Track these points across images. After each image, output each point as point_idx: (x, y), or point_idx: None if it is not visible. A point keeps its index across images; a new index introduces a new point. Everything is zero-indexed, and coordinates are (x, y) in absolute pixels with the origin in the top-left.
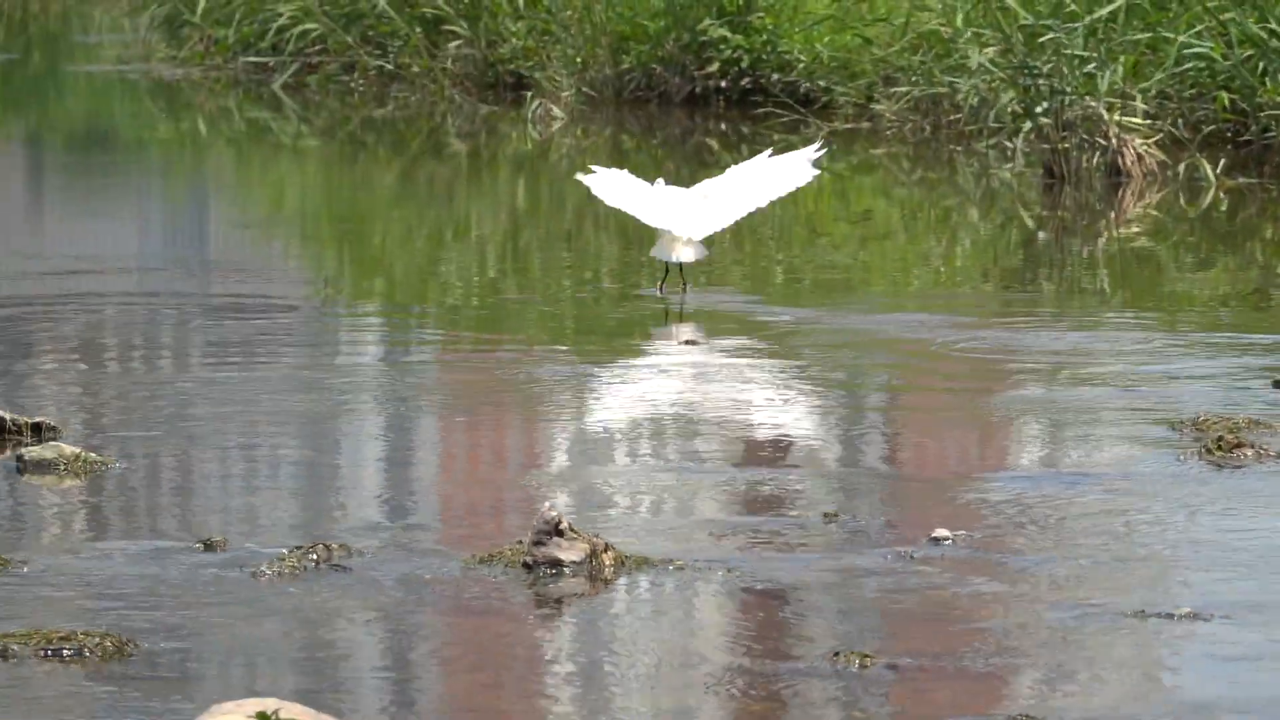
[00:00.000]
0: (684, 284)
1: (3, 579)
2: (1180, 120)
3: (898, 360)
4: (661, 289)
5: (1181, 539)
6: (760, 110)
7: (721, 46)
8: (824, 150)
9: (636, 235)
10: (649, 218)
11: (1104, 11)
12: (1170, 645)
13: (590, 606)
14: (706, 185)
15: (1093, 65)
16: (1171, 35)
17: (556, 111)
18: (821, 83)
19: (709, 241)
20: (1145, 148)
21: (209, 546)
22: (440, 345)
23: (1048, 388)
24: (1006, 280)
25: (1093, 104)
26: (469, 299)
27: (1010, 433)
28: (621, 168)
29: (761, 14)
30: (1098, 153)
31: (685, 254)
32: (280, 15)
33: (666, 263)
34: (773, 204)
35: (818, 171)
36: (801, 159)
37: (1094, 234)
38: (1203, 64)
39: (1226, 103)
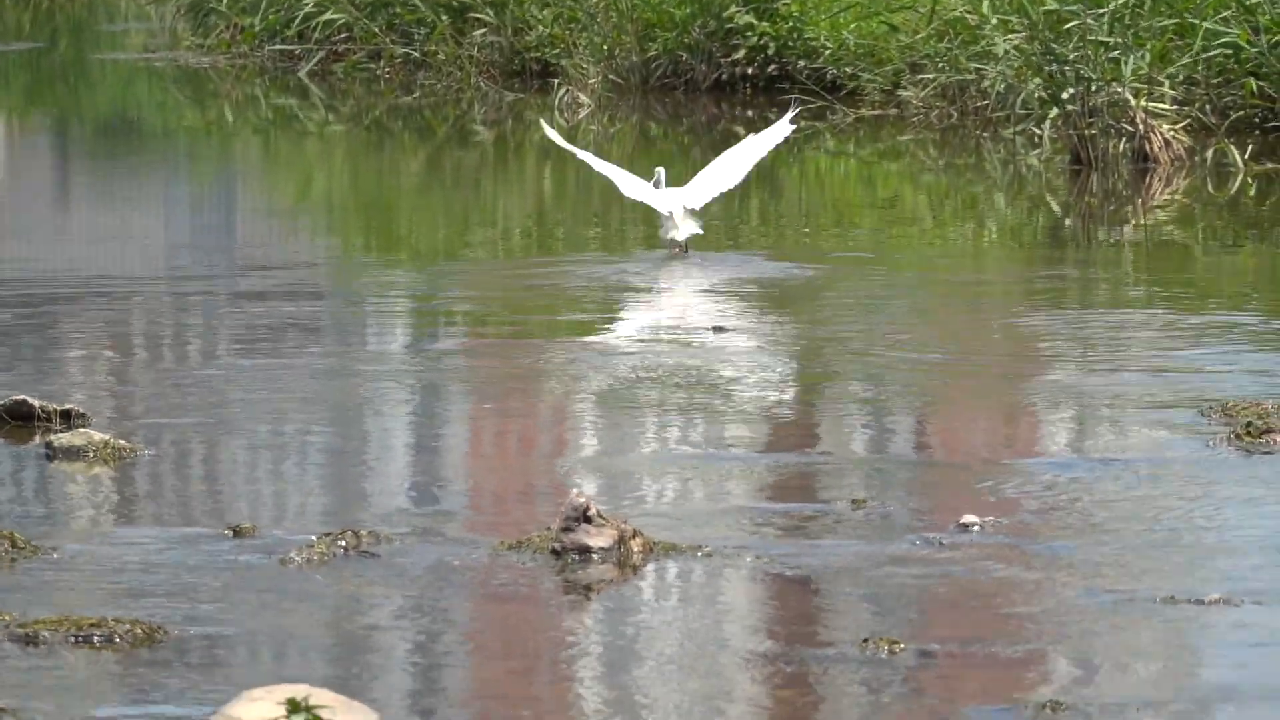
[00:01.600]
0: (685, 252)
1: (33, 565)
2: (1208, 106)
3: (925, 347)
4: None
5: (1210, 524)
6: (786, 97)
7: (748, 33)
8: (798, 111)
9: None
10: (628, 190)
11: None
12: (1200, 630)
13: (619, 593)
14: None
15: (1118, 51)
16: (1198, 21)
17: (583, 98)
18: (848, 69)
19: (696, 216)
20: (1172, 133)
21: (238, 533)
22: (468, 332)
23: (1076, 373)
24: (1033, 265)
25: (1119, 90)
26: (496, 285)
27: (1038, 418)
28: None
29: (788, 1)
30: (1124, 138)
31: (682, 230)
32: (306, 3)
33: (674, 242)
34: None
35: (794, 127)
36: (780, 126)
37: (1121, 219)
38: (1230, 50)
39: (1254, 88)
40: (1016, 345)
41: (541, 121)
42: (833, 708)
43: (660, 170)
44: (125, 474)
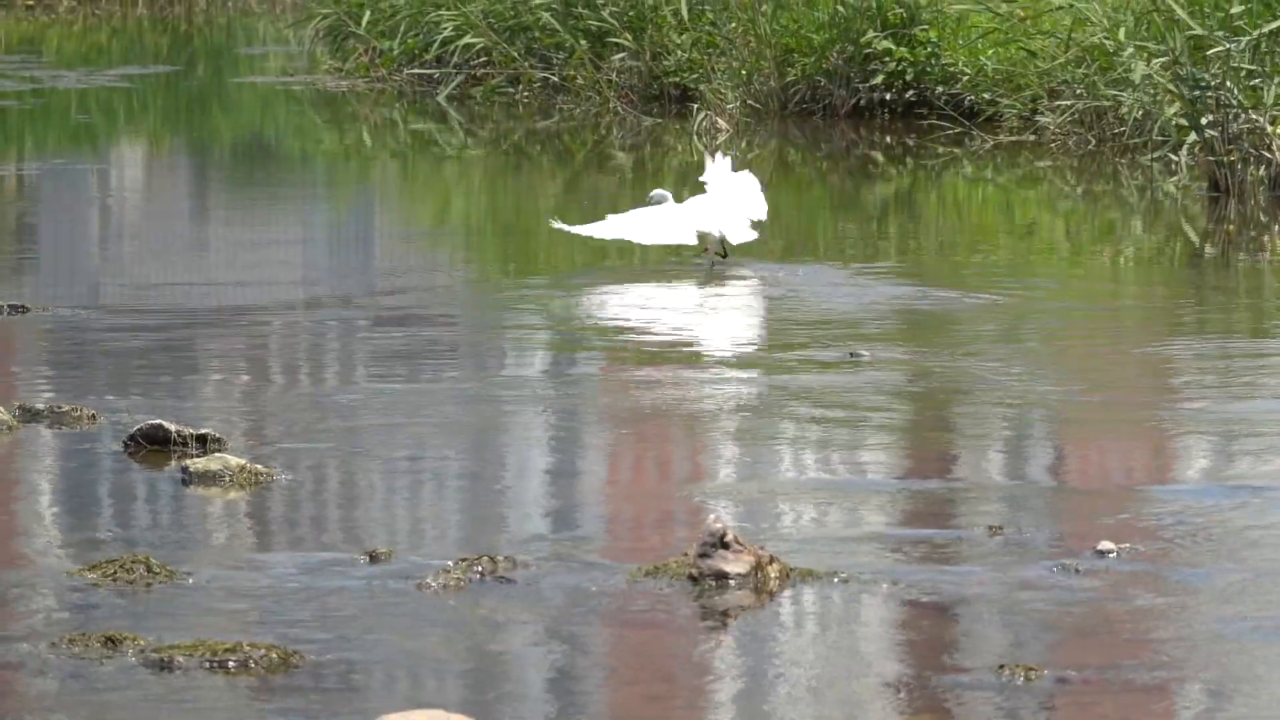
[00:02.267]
0: (721, 256)
1: (169, 590)
2: None
3: (1062, 374)
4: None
5: None
6: (924, 122)
7: (886, 59)
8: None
9: (803, 245)
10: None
11: (1271, 26)
12: None
13: (756, 619)
14: (703, 200)
15: (1259, 79)
16: None
17: (722, 124)
18: (986, 95)
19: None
20: None
21: (374, 558)
22: (604, 357)
23: (1213, 399)
24: (1170, 292)
25: (1257, 118)
26: (633, 311)
27: (1175, 444)
28: (721, 191)
29: (925, 26)
30: (1262, 166)
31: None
32: (445, 27)
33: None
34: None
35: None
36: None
37: (1258, 246)
38: None
39: None
40: (1154, 372)
41: (550, 220)
42: None
43: (660, 192)
44: (261, 499)
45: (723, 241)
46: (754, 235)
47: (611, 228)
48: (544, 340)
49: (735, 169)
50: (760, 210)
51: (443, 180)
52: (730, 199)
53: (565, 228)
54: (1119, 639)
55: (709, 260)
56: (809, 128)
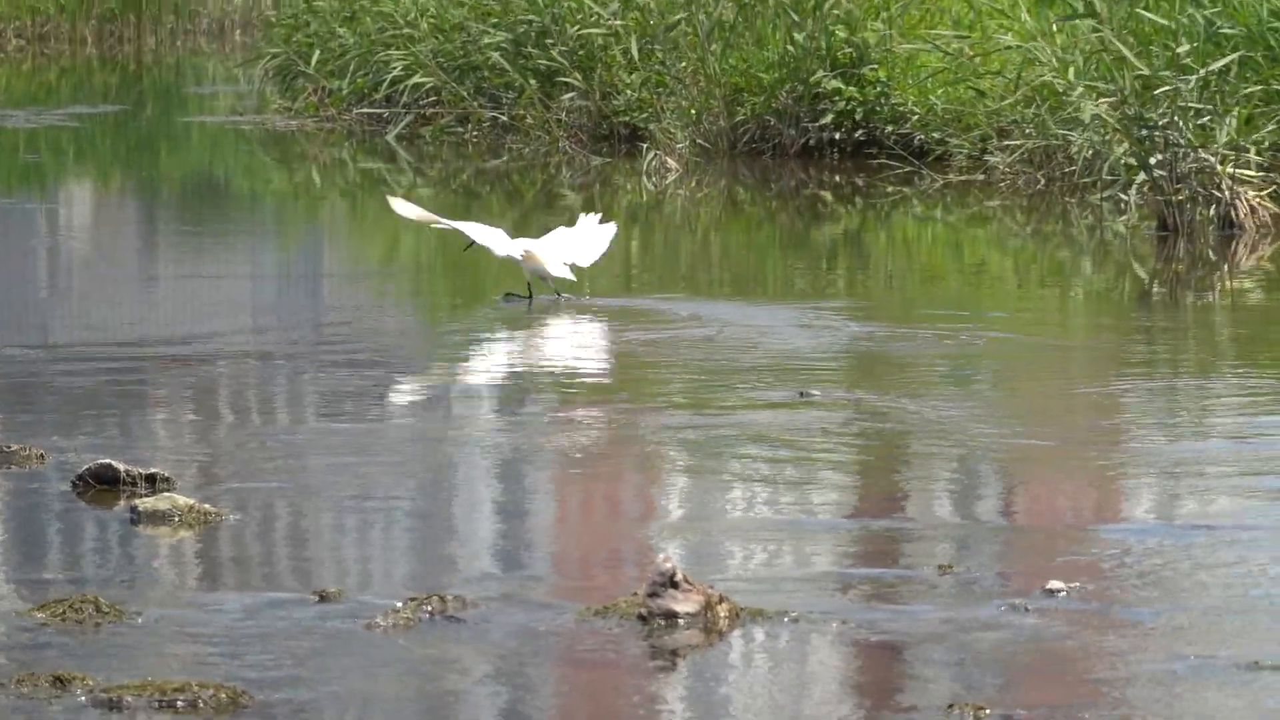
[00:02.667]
0: (531, 297)
1: (117, 630)
2: None
3: (1010, 413)
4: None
5: None
6: (874, 162)
7: (835, 98)
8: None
9: (752, 285)
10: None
11: (1218, 65)
12: None
13: (705, 659)
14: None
15: (1207, 118)
16: None
17: (671, 163)
18: (935, 135)
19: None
20: (1258, 200)
21: (323, 598)
22: (554, 398)
23: (1161, 440)
24: (1119, 331)
25: (1206, 157)
26: (581, 351)
27: (1124, 484)
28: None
29: (875, 66)
30: (1211, 205)
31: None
32: (394, 67)
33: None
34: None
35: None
36: (593, 223)
37: (1207, 285)
38: None
39: None
40: (1102, 411)
41: (387, 196)
42: None
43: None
44: (210, 538)
45: (546, 275)
46: (569, 275)
47: (452, 223)
48: (494, 380)
49: (602, 221)
50: (586, 257)
51: (391, 220)
52: (563, 242)
53: (399, 204)
54: (1069, 678)
55: (549, 297)
56: (758, 167)
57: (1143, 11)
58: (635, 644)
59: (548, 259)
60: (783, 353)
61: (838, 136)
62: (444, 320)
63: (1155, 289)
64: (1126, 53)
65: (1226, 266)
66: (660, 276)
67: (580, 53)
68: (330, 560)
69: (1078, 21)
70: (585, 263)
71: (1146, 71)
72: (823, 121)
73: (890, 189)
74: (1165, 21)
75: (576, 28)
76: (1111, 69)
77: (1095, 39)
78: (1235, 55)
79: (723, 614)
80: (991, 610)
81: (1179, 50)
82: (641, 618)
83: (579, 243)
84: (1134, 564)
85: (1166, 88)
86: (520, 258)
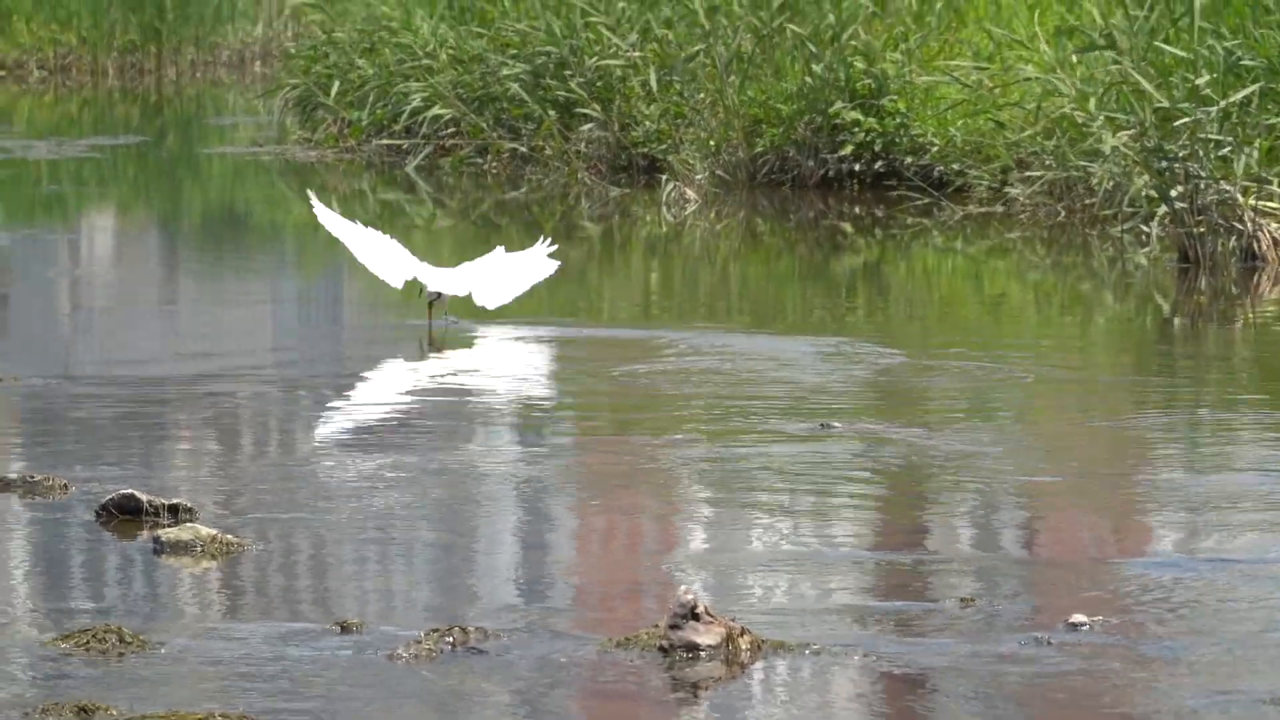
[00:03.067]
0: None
1: (141, 660)
2: None
3: (1033, 446)
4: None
5: None
6: (894, 193)
7: (854, 130)
8: (554, 247)
9: (771, 316)
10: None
11: (1239, 95)
12: None
13: (727, 691)
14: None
15: (1228, 149)
16: None
17: (690, 194)
18: (955, 166)
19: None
20: None
21: (345, 629)
22: (575, 429)
23: (1184, 473)
24: (1141, 363)
25: (1228, 188)
26: (602, 381)
27: (1147, 518)
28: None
29: (894, 97)
30: (1233, 237)
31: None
32: (413, 98)
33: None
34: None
35: (559, 264)
36: (538, 255)
37: (1229, 318)
38: None
39: None
40: (1124, 444)
41: (310, 194)
42: None
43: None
44: (232, 568)
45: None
46: (459, 291)
47: (351, 233)
48: (516, 410)
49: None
50: (496, 297)
51: (412, 250)
52: (482, 272)
53: (321, 210)
54: (1092, 712)
55: (444, 320)
56: (778, 198)
57: (1161, 45)
58: (657, 676)
59: (447, 287)
60: (803, 384)
61: (857, 168)
62: (464, 350)
63: (1177, 321)
64: (1146, 84)
65: (1249, 299)
66: (679, 306)
67: (599, 84)
68: (352, 591)
69: (1097, 53)
70: (492, 304)
71: (1166, 103)
72: (842, 153)
73: (910, 220)
74: (1184, 53)
75: (595, 59)
76: (1131, 100)
77: (1115, 70)
78: (1255, 87)
79: (744, 646)
80: (1014, 644)
81: (1199, 82)
82: (663, 649)
83: (501, 276)
84: (1157, 598)
85: (1186, 119)
86: (405, 283)
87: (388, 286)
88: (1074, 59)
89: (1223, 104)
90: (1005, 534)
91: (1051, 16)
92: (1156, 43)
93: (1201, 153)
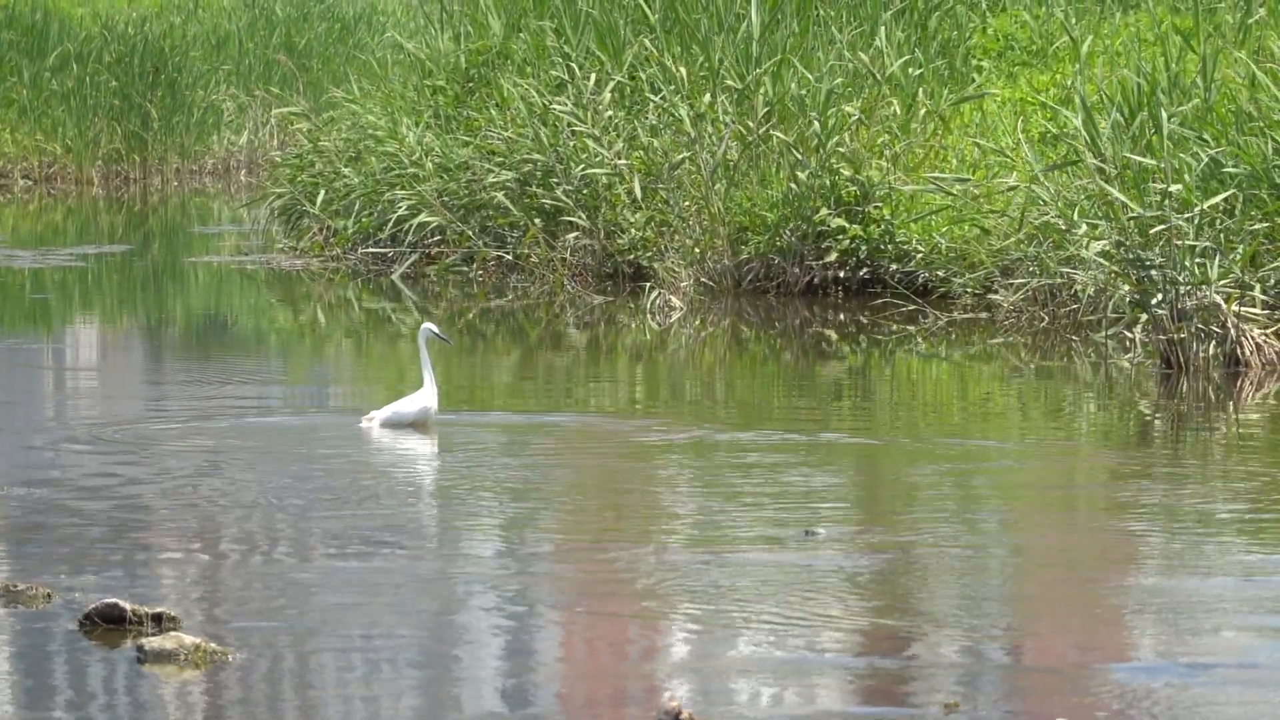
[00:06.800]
0: None
1: None
2: None
3: (1016, 550)
4: None
5: None
6: (878, 300)
7: (839, 236)
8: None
9: (757, 418)
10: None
11: (1211, 202)
12: None
13: None
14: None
15: (1203, 253)
16: None
17: (675, 301)
18: (939, 273)
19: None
20: (1264, 337)
21: None
22: (557, 533)
23: (1166, 577)
24: (1123, 468)
25: (1209, 294)
26: (588, 481)
27: (1129, 622)
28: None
29: (878, 204)
30: (1214, 342)
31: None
32: (399, 207)
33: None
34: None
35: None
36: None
37: (1211, 423)
38: None
39: None
40: (1107, 549)
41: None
42: None
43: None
44: (216, 678)
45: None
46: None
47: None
48: (499, 517)
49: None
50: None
51: (398, 359)
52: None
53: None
54: None
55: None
56: (763, 305)
57: (1129, 155)
58: None
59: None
60: (788, 488)
61: (842, 275)
62: (448, 455)
63: (1159, 427)
64: (1117, 194)
65: (1232, 404)
66: (664, 409)
67: (584, 192)
68: (336, 699)
69: (1075, 165)
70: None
71: (1139, 212)
72: (827, 259)
73: (895, 327)
74: (1152, 162)
75: (581, 167)
76: (1111, 209)
77: (1087, 183)
78: (1229, 193)
79: None
80: None
81: (1170, 190)
82: None
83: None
84: (1139, 703)
85: (1163, 227)
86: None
87: (371, 396)
88: (1047, 174)
89: (1196, 210)
90: (989, 639)
91: (1035, 125)
92: (1124, 153)
93: (1180, 259)
